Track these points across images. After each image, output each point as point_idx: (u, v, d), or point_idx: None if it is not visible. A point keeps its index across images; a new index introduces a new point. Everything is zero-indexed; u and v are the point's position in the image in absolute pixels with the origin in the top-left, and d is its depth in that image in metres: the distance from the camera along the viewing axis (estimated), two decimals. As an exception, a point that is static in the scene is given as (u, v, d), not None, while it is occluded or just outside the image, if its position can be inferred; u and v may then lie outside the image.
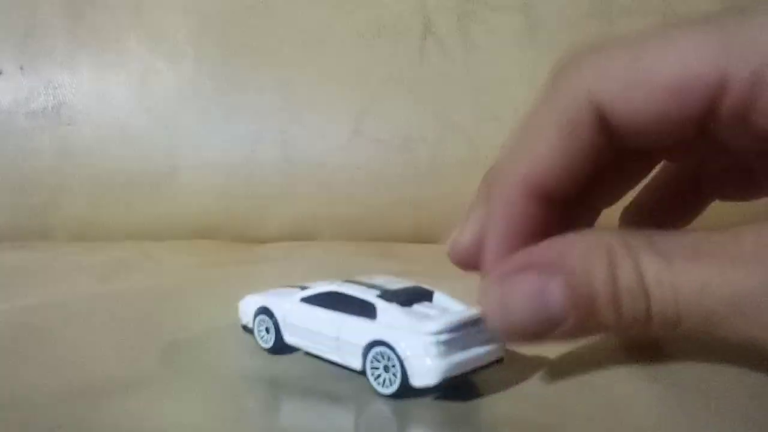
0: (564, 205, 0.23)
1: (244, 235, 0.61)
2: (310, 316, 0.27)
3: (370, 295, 0.25)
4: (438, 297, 0.26)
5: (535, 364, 0.26)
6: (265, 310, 0.28)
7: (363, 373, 0.24)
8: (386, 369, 0.24)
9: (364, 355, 0.24)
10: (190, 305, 0.37)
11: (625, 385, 0.25)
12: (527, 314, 0.21)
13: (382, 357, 0.24)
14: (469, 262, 0.24)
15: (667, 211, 0.29)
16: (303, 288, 0.29)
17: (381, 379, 0.24)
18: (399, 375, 0.23)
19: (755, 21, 0.20)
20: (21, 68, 0.63)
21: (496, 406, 0.24)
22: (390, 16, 0.61)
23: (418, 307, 0.25)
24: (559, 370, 0.27)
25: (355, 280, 0.27)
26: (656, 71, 0.21)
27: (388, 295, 0.25)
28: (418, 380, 0.23)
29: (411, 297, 0.26)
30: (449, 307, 0.26)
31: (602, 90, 0.21)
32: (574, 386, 0.25)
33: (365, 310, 0.25)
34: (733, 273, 0.19)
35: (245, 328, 0.30)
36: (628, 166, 0.27)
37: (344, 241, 0.59)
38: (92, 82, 0.63)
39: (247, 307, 0.30)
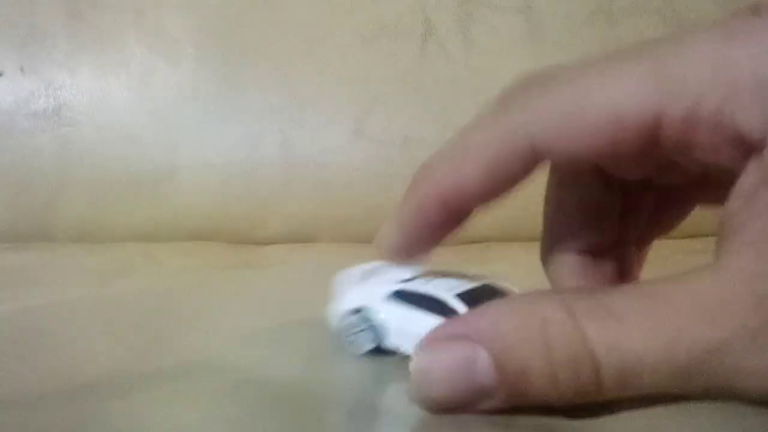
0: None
1: (245, 235, 0.61)
2: (419, 320, 0.25)
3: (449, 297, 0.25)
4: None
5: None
6: (360, 311, 0.26)
7: None
8: None
9: None
10: (190, 306, 0.37)
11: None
12: (451, 385, 0.20)
13: None
14: (396, 257, 0.26)
15: (651, 218, 0.29)
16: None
17: None
18: None
19: (688, 53, 0.20)
20: (21, 69, 0.63)
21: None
22: (390, 17, 0.61)
23: None
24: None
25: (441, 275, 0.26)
26: (591, 109, 0.21)
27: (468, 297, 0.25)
28: None
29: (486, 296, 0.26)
30: None
31: (537, 130, 0.22)
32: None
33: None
34: (701, 327, 0.18)
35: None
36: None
37: (344, 242, 0.59)
38: (92, 83, 0.63)
39: (341, 304, 0.27)
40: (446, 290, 0.25)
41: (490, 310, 0.21)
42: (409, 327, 0.25)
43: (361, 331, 0.25)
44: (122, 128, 0.62)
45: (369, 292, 0.26)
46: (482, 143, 0.23)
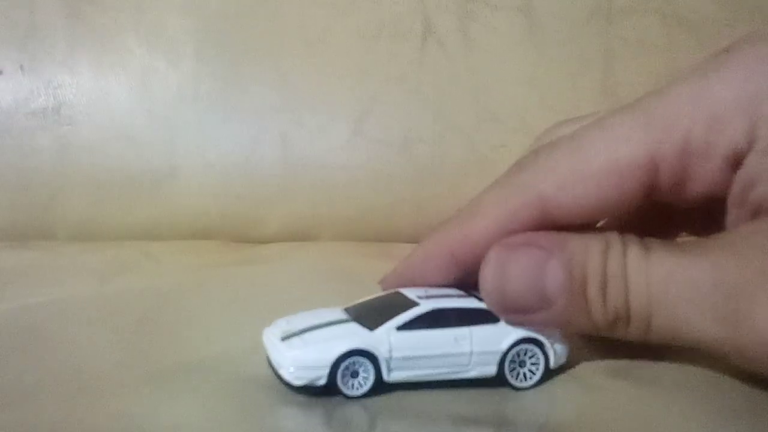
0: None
1: (244, 235, 0.61)
2: (431, 342, 0.24)
3: (471, 302, 0.25)
4: None
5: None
6: (357, 353, 0.24)
7: (498, 377, 0.25)
8: (521, 365, 0.25)
9: (502, 359, 0.25)
10: (189, 305, 0.37)
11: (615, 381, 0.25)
12: (523, 286, 0.22)
13: (522, 354, 0.25)
14: None
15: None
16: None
17: (517, 375, 0.25)
18: (542, 364, 0.25)
19: (671, 96, 0.23)
20: (21, 68, 0.63)
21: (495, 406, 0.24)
22: (390, 16, 0.61)
23: None
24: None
25: (414, 293, 0.26)
26: (592, 162, 0.23)
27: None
28: (555, 363, 0.25)
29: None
30: None
31: (545, 185, 0.24)
32: (572, 385, 0.25)
33: (483, 316, 0.25)
34: (695, 266, 0.21)
35: (304, 387, 0.24)
36: None
37: (344, 241, 0.59)
38: (92, 82, 0.63)
39: (311, 362, 0.24)
40: (459, 300, 0.25)
41: (558, 232, 0.23)
42: (432, 350, 0.24)
43: (356, 372, 0.24)
44: (122, 127, 0.62)
45: (349, 336, 0.25)
46: (493, 200, 0.25)
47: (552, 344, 0.25)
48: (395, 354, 0.24)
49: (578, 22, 0.58)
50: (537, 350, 0.25)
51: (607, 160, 0.23)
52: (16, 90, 0.63)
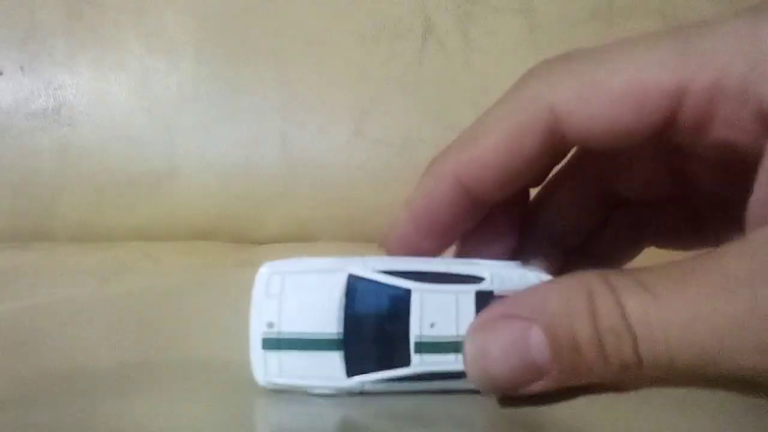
0: (488, 207, 0.24)
1: (244, 236, 0.61)
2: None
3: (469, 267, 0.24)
4: None
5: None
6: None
7: None
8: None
9: None
10: (189, 306, 0.37)
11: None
12: (508, 362, 0.20)
13: None
14: (405, 252, 0.24)
15: (597, 248, 0.28)
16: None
17: None
18: None
19: (717, 31, 0.20)
20: (21, 68, 0.63)
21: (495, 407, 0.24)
22: (390, 17, 0.61)
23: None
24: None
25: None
26: (613, 78, 0.21)
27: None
28: None
29: None
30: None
31: (559, 96, 0.21)
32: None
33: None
34: (720, 300, 0.18)
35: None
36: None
37: (344, 241, 0.59)
38: (92, 83, 0.63)
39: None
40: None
41: (538, 289, 0.21)
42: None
43: None
44: (122, 128, 0.62)
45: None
46: (500, 116, 0.22)
47: None
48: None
49: (578, 23, 0.58)
50: None
51: (631, 78, 0.20)
52: (16, 91, 0.63)
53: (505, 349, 0.20)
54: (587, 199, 0.27)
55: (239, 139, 0.62)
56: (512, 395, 0.21)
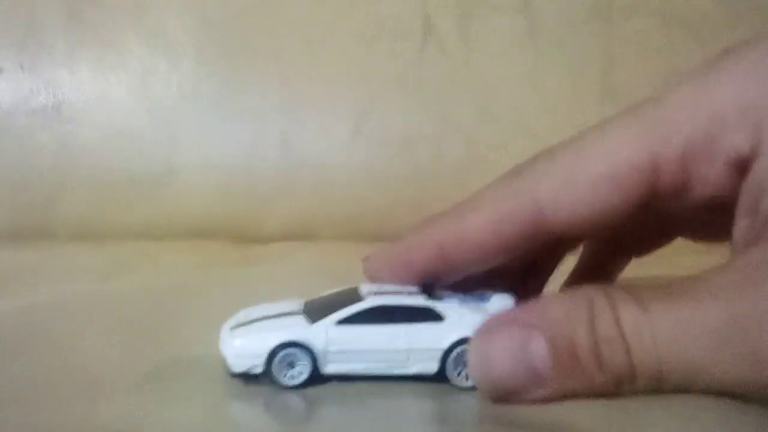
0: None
1: (244, 235, 0.61)
2: (367, 338, 0.25)
3: (418, 300, 0.25)
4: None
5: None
6: (292, 345, 0.25)
7: (440, 375, 0.25)
8: (465, 364, 0.24)
9: (445, 357, 0.24)
10: (189, 305, 0.37)
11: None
12: (509, 368, 0.21)
13: (466, 354, 0.24)
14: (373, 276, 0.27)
15: (629, 238, 0.30)
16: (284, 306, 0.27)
17: (463, 375, 0.24)
18: None
19: (672, 99, 0.22)
20: (21, 67, 0.63)
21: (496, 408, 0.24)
22: (390, 16, 0.61)
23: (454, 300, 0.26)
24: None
25: (356, 290, 0.26)
26: (591, 165, 0.22)
27: (434, 295, 0.26)
28: None
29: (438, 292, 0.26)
30: (459, 298, 0.26)
31: (542, 189, 0.23)
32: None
33: (428, 315, 0.25)
34: (704, 315, 0.19)
35: (240, 374, 0.25)
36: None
37: (343, 240, 0.59)
38: (92, 81, 0.63)
39: (248, 350, 0.25)
40: (404, 298, 0.25)
41: (541, 299, 0.22)
42: (368, 345, 0.25)
43: (292, 363, 0.25)
44: (122, 127, 0.62)
45: (288, 327, 0.25)
46: (489, 200, 0.24)
47: None
48: (331, 347, 0.25)
49: (578, 23, 0.58)
50: None
51: (605, 165, 0.22)
52: (16, 89, 0.63)
53: (507, 355, 0.21)
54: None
55: (239, 138, 0.62)
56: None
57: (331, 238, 0.60)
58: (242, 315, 0.27)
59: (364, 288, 0.26)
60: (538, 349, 0.21)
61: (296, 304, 0.27)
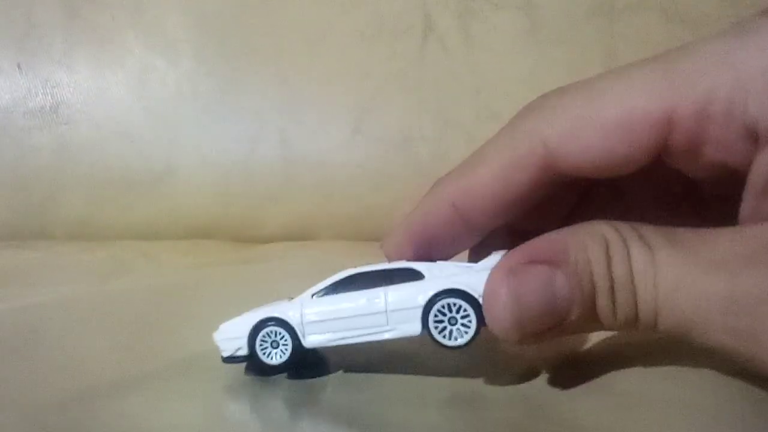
0: (485, 233, 0.25)
1: (243, 234, 0.61)
2: (341, 304, 0.24)
3: (400, 264, 0.24)
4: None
5: (534, 365, 0.26)
6: (270, 321, 0.25)
7: (426, 333, 0.23)
8: (451, 321, 0.23)
9: (425, 315, 0.23)
10: (188, 305, 0.37)
11: (630, 384, 0.25)
12: (539, 306, 0.21)
13: (449, 309, 0.23)
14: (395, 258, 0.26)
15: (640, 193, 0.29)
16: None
17: (447, 333, 0.23)
18: (474, 319, 0.22)
19: (698, 53, 0.21)
20: (18, 67, 0.63)
21: (498, 410, 0.24)
22: (390, 15, 0.61)
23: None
24: (560, 369, 0.26)
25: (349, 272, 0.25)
26: (603, 112, 0.21)
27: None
28: None
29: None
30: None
31: (552, 132, 0.22)
32: (578, 386, 0.25)
33: (406, 275, 0.24)
34: (704, 276, 0.19)
35: (230, 359, 0.26)
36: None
37: (344, 240, 0.59)
38: (90, 81, 0.63)
39: (232, 333, 0.26)
40: (385, 265, 0.25)
41: (555, 237, 0.22)
42: (343, 312, 0.24)
43: (272, 342, 0.25)
44: (121, 126, 0.62)
45: (269, 308, 0.26)
46: (496, 148, 0.23)
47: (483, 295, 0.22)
48: (307, 319, 0.24)
49: (579, 20, 0.58)
50: (465, 304, 0.22)
51: (620, 110, 0.21)
52: (13, 89, 0.63)
53: (537, 297, 0.21)
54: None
55: (238, 137, 0.61)
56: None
57: (331, 238, 0.60)
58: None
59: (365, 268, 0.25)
60: (563, 287, 0.21)
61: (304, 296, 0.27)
